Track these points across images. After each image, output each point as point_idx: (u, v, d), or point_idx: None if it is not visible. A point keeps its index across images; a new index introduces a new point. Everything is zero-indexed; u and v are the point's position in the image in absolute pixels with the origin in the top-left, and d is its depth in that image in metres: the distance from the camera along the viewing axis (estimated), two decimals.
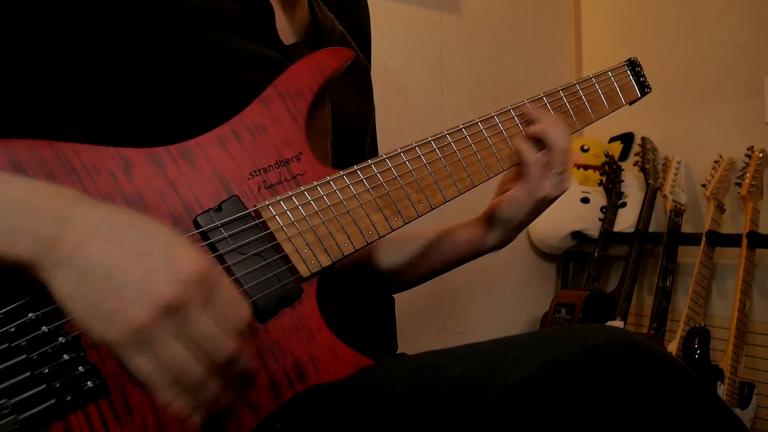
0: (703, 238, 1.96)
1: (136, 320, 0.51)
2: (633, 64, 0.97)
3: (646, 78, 0.97)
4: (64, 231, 0.52)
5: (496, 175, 0.85)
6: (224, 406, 0.58)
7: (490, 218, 0.93)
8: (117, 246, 0.52)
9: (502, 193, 0.92)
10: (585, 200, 2.27)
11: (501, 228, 0.92)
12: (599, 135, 2.47)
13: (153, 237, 0.54)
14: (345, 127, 0.87)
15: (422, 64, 2.14)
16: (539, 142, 0.86)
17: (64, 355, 0.58)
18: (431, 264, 0.99)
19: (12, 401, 0.55)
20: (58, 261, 0.52)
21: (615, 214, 2.24)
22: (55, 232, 0.52)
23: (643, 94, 0.97)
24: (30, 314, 0.57)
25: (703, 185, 2.05)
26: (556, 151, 0.85)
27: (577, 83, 0.91)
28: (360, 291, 1.05)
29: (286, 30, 0.86)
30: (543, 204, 0.88)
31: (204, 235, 0.65)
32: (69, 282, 0.52)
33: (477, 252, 0.96)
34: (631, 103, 0.97)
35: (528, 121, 0.87)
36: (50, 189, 0.56)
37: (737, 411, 1.89)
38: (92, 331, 0.52)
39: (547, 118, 0.86)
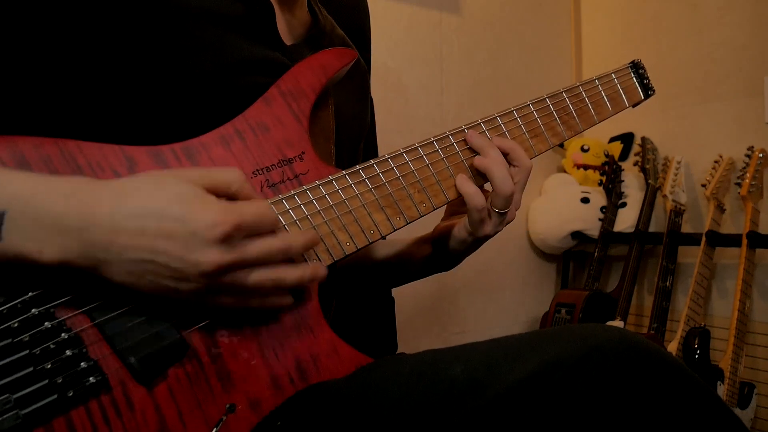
0: (703, 238, 1.96)
1: (201, 282, 0.59)
2: (636, 66, 0.96)
3: (649, 80, 0.97)
4: (89, 234, 0.56)
5: None
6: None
7: (435, 243, 0.93)
8: (142, 234, 0.57)
9: (450, 215, 0.92)
10: (585, 200, 2.28)
11: (444, 256, 0.92)
12: (599, 135, 2.47)
13: (169, 211, 0.57)
14: (343, 129, 0.87)
15: (422, 64, 2.15)
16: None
17: (67, 351, 0.58)
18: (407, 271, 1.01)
19: (15, 396, 0.55)
20: (99, 260, 0.57)
21: (615, 214, 2.24)
22: (79, 238, 0.56)
23: (647, 96, 0.97)
24: (33, 310, 0.58)
25: (703, 185, 2.05)
26: (498, 193, 0.81)
27: (581, 85, 0.91)
28: (359, 286, 1.05)
29: (286, 31, 0.86)
30: (483, 241, 0.87)
31: None
32: (119, 273, 0.58)
33: (430, 271, 0.97)
34: (634, 106, 0.96)
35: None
36: (65, 185, 0.58)
37: (737, 411, 1.89)
38: (167, 295, 0.60)
39: (490, 153, 0.81)
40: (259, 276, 0.62)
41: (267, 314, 0.67)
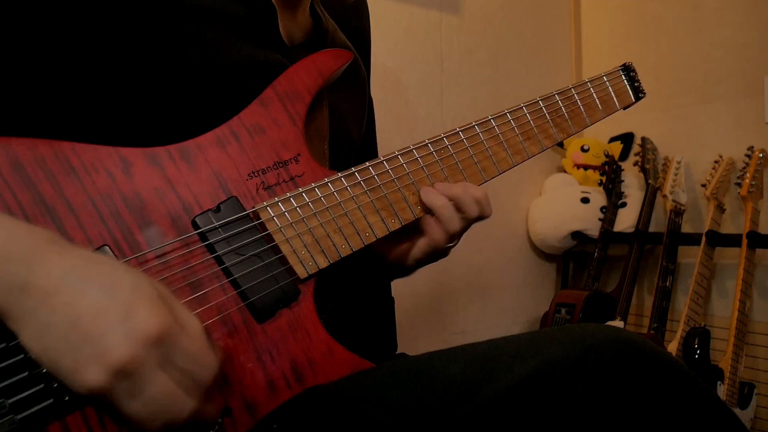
0: (703, 238, 1.96)
1: (92, 381, 0.51)
2: (627, 69, 0.97)
3: (640, 83, 0.98)
4: (33, 278, 0.51)
5: (492, 178, 0.86)
6: None
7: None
8: (78, 302, 0.51)
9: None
10: (585, 200, 2.28)
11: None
12: (599, 135, 2.47)
13: (114, 294, 0.52)
14: (339, 132, 0.87)
15: (422, 64, 2.14)
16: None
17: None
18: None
19: (10, 401, 0.55)
20: (24, 312, 0.51)
21: (615, 214, 2.24)
22: (25, 280, 0.51)
23: (638, 99, 0.98)
24: None
25: (703, 185, 2.05)
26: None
27: (573, 87, 0.92)
28: (356, 284, 1.05)
29: (288, 33, 0.85)
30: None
31: (202, 236, 0.66)
32: (33, 335, 0.52)
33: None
34: (625, 108, 0.97)
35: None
36: (23, 229, 0.54)
37: (737, 411, 1.89)
38: (61, 379, 0.52)
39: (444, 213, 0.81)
40: (137, 408, 0.53)
41: (263, 316, 0.67)
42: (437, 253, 0.85)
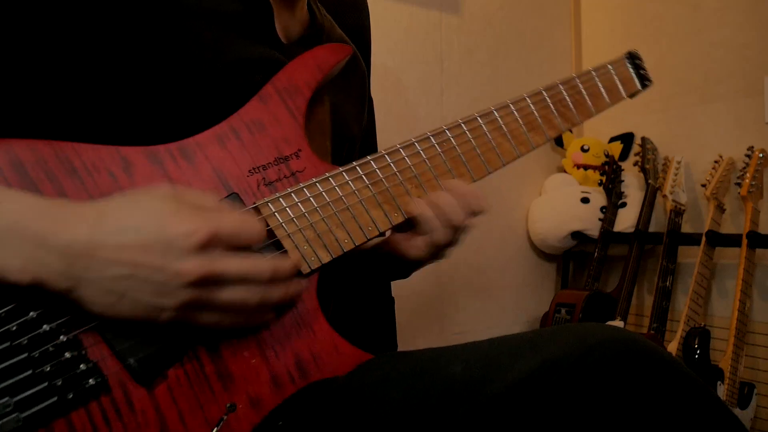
0: (703, 238, 1.96)
1: (184, 298, 0.57)
2: (633, 57, 0.95)
3: (646, 70, 0.96)
4: (71, 246, 0.55)
5: (496, 170, 0.84)
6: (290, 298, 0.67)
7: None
8: (123, 248, 0.56)
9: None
10: (585, 200, 2.27)
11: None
12: (599, 135, 2.47)
13: (141, 223, 0.57)
14: (340, 128, 0.87)
15: (422, 64, 2.14)
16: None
17: (66, 353, 0.58)
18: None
19: (14, 399, 0.55)
20: (81, 278, 0.56)
21: (615, 214, 2.24)
22: (64, 252, 0.55)
23: (644, 86, 0.96)
24: (31, 313, 0.57)
25: (703, 185, 2.05)
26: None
27: (577, 77, 0.90)
28: (356, 282, 1.05)
29: (284, 30, 0.86)
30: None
31: None
32: (100, 293, 0.57)
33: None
34: (631, 96, 0.95)
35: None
36: (35, 203, 0.57)
37: (737, 411, 1.88)
38: (146, 318, 0.58)
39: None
40: (240, 293, 0.61)
41: None
42: (437, 254, 0.84)
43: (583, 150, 2.40)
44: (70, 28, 0.68)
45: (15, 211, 0.55)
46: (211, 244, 0.58)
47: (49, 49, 0.68)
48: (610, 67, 0.93)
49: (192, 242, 0.57)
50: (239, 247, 0.61)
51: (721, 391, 1.84)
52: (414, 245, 0.80)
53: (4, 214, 0.55)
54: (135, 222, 0.57)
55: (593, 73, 0.92)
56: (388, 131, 1.89)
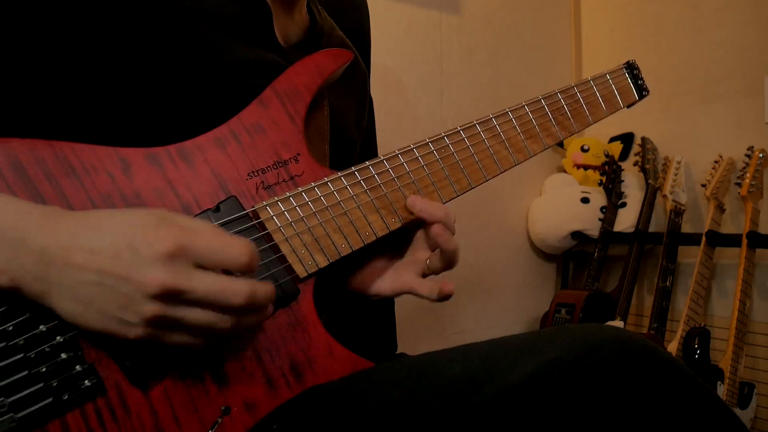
0: (703, 238, 1.96)
1: (147, 312, 0.55)
2: (631, 67, 0.96)
3: (644, 81, 0.96)
4: (48, 251, 0.55)
5: (494, 177, 0.85)
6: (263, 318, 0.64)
7: None
8: (93, 253, 0.55)
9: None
10: (585, 200, 2.27)
11: None
12: (599, 135, 2.47)
13: (117, 234, 0.55)
14: (340, 131, 0.87)
15: (422, 64, 2.14)
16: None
17: (62, 354, 0.58)
18: None
19: (9, 399, 0.55)
20: (53, 282, 0.55)
21: (615, 214, 2.24)
22: (41, 256, 0.54)
23: (641, 97, 0.97)
24: (28, 313, 0.57)
25: (703, 185, 2.05)
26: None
27: (576, 86, 0.91)
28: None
29: (283, 33, 0.86)
30: None
31: None
32: (69, 298, 0.55)
33: None
34: (629, 106, 0.96)
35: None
36: (19, 207, 0.57)
37: (737, 411, 1.89)
38: (115, 333, 0.56)
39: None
40: (208, 316, 0.57)
41: None
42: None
43: (583, 150, 2.40)
44: (69, 28, 0.68)
45: None
46: (178, 256, 0.55)
47: (48, 49, 0.68)
48: (608, 76, 0.94)
49: (157, 250, 0.54)
50: (216, 267, 0.57)
51: (721, 391, 1.84)
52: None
53: None
54: (112, 230, 0.56)
55: (592, 83, 0.92)
56: (388, 131, 1.89)
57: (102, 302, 0.55)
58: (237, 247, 0.58)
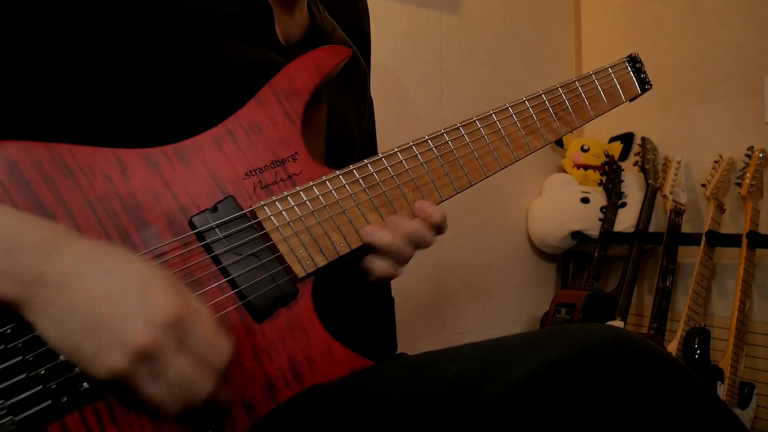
0: (703, 238, 1.96)
1: (114, 365, 0.53)
2: (633, 60, 0.95)
3: (646, 74, 0.95)
4: (48, 269, 0.54)
5: (494, 173, 0.84)
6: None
7: None
8: (94, 290, 0.54)
9: None
10: (585, 200, 2.27)
11: None
12: (599, 135, 2.47)
13: (129, 280, 0.55)
14: (339, 131, 0.87)
15: (422, 64, 2.14)
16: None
17: (61, 357, 0.58)
18: None
19: (8, 402, 0.55)
20: (41, 303, 0.54)
21: (615, 214, 2.24)
22: (39, 271, 0.53)
23: (644, 90, 0.95)
24: None
25: (703, 185, 2.05)
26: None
27: (577, 80, 0.89)
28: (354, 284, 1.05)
29: (284, 32, 0.85)
30: None
31: (200, 236, 0.66)
32: (52, 325, 0.54)
33: None
34: (631, 100, 0.95)
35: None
36: (37, 222, 0.57)
37: (737, 411, 1.88)
38: (80, 367, 0.55)
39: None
40: (161, 396, 0.55)
41: (261, 315, 0.67)
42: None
43: (583, 150, 2.40)
44: (67, 28, 0.68)
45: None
46: (173, 327, 0.54)
47: (46, 50, 0.67)
48: (610, 70, 0.93)
49: (161, 310, 0.54)
50: (197, 355, 0.56)
51: (721, 391, 1.84)
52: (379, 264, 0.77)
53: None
54: (124, 269, 0.55)
55: (593, 77, 0.91)
56: (388, 131, 1.89)
57: (80, 338, 0.54)
58: (224, 348, 0.58)
